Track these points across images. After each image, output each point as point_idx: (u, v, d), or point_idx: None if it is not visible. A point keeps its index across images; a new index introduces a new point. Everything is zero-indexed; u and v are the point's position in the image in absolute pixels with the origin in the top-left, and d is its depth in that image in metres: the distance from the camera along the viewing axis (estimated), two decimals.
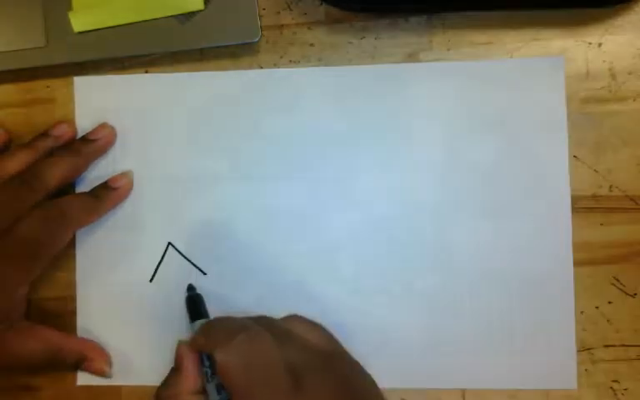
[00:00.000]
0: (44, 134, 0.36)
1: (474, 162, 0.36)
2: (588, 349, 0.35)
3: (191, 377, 0.30)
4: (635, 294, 0.35)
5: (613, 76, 0.36)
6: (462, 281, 0.35)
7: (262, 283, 0.36)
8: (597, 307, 0.35)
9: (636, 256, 0.35)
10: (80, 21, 0.37)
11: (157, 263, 0.37)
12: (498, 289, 0.35)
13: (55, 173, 0.34)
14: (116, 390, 0.37)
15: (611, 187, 0.36)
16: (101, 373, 0.36)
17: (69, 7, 0.37)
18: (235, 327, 0.29)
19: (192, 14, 0.37)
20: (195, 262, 0.37)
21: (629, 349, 0.35)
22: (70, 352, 0.35)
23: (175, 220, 0.37)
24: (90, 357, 0.36)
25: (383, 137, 0.36)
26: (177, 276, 0.37)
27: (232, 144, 0.37)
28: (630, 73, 0.36)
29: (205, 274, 0.37)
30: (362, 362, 0.32)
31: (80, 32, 0.37)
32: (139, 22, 0.37)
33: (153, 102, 0.37)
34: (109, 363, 0.36)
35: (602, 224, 0.36)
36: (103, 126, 0.37)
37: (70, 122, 0.37)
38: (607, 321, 0.35)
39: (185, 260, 0.37)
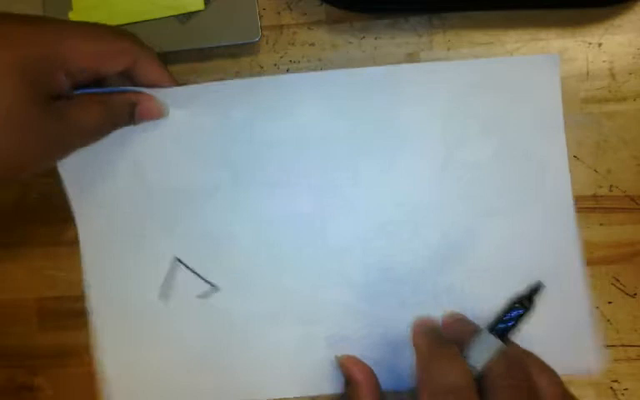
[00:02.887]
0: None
1: (474, 162, 0.36)
2: None
3: None
4: (635, 294, 0.35)
5: (613, 76, 0.36)
6: (466, 282, 0.35)
7: (270, 291, 0.36)
8: (597, 307, 0.35)
9: (636, 256, 0.35)
10: None
11: (164, 278, 0.36)
12: (501, 290, 0.35)
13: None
14: None
15: (611, 187, 0.36)
16: (158, 113, 0.35)
17: (69, 7, 0.37)
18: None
19: (192, 14, 0.37)
20: (200, 274, 0.36)
21: (629, 349, 0.35)
22: (120, 105, 0.33)
23: (180, 233, 0.36)
24: (140, 99, 0.34)
25: (384, 138, 0.36)
26: (185, 289, 0.36)
27: (233, 152, 0.36)
28: (630, 73, 0.36)
29: (214, 286, 0.36)
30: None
31: None
32: (139, 22, 0.37)
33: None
34: (159, 100, 0.35)
35: (602, 224, 0.36)
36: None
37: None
38: (607, 321, 0.35)
39: (191, 272, 0.36)
